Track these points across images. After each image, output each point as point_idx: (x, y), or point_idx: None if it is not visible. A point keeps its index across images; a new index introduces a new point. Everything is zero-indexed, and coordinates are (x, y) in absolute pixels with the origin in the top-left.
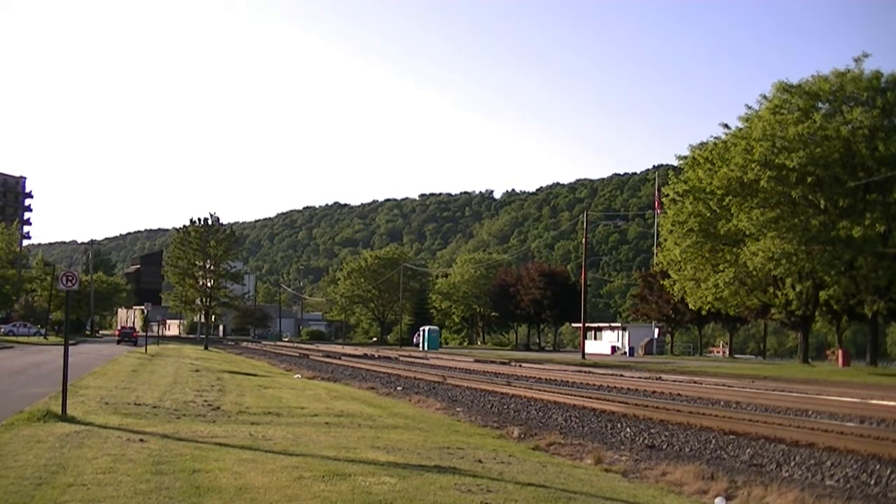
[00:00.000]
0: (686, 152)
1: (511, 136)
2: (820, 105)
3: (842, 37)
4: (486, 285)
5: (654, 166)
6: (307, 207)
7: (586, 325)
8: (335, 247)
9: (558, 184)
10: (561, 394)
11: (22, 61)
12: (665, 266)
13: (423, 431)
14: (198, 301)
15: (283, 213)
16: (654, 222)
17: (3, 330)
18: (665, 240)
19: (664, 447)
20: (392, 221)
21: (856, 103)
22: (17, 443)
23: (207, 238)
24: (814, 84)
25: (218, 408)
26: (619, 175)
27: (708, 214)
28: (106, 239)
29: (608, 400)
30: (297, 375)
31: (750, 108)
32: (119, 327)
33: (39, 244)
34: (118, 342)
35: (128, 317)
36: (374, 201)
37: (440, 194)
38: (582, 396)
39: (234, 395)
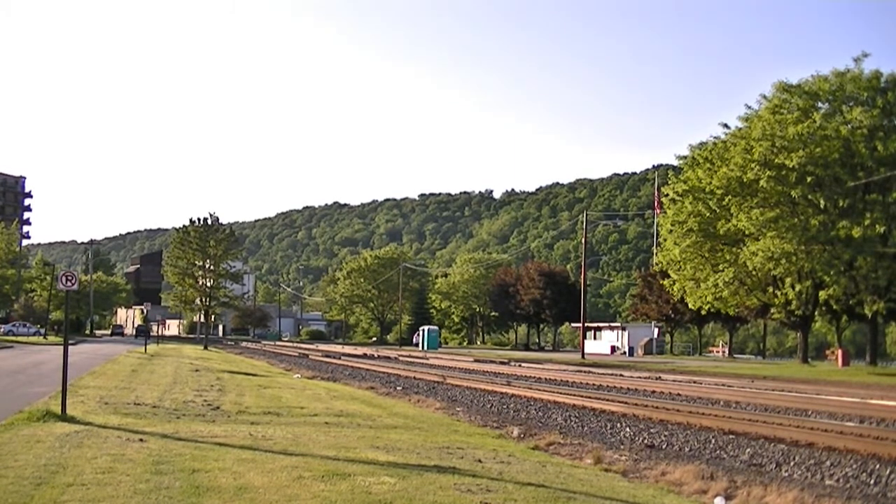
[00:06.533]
0: (686, 152)
1: (510, 135)
2: (820, 105)
3: (842, 37)
4: (485, 285)
5: (653, 166)
6: (307, 207)
7: (586, 324)
8: (335, 247)
9: (558, 183)
10: (560, 393)
11: (22, 61)
12: (665, 266)
13: (423, 431)
14: (197, 301)
15: (282, 213)
16: (653, 222)
17: (2, 330)
18: (665, 240)
19: (664, 447)
20: (392, 221)
21: (855, 103)
22: (17, 442)
23: (207, 238)
24: (813, 84)
25: (217, 407)
26: (618, 175)
27: (707, 214)
28: (106, 239)
29: (608, 400)
30: (296, 375)
31: (750, 108)
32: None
33: (39, 244)
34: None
35: (127, 316)
36: (374, 201)
37: (440, 194)
38: (581, 396)
39: (233, 395)
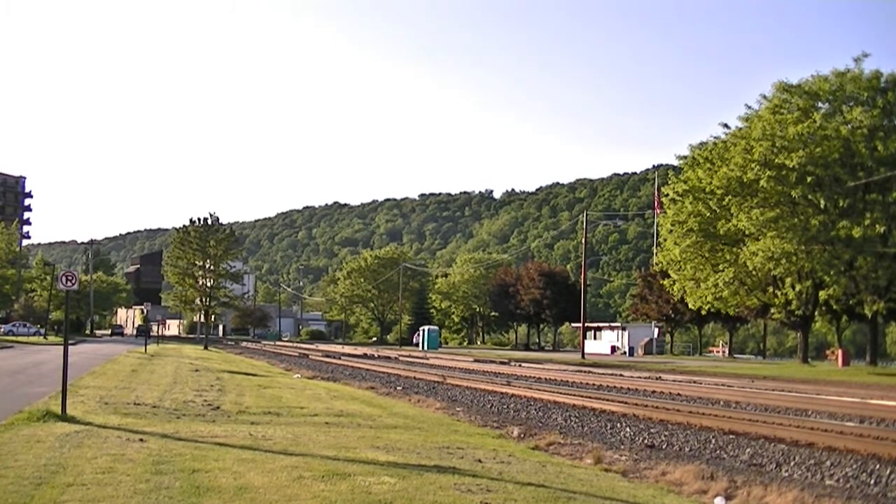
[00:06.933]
0: (686, 152)
1: (510, 135)
2: (820, 105)
3: (842, 37)
4: (485, 285)
5: (653, 166)
6: (307, 207)
7: (586, 324)
8: (335, 247)
9: (558, 183)
10: (561, 393)
11: (22, 61)
12: (665, 266)
13: (423, 431)
14: (197, 301)
15: (282, 213)
16: (653, 222)
17: (2, 330)
18: (665, 239)
19: (664, 447)
20: (392, 221)
21: (855, 103)
22: (17, 442)
23: (207, 238)
24: (814, 84)
25: (218, 407)
26: (618, 175)
27: (708, 214)
28: (106, 239)
29: (608, 400)
30: (296, 375)
31: (750, 107)
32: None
33: (39, 244)
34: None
35: (127, 316)
36: (374, 201)
37: (440, 194)
38: (582, 396)
39: (233, 395)
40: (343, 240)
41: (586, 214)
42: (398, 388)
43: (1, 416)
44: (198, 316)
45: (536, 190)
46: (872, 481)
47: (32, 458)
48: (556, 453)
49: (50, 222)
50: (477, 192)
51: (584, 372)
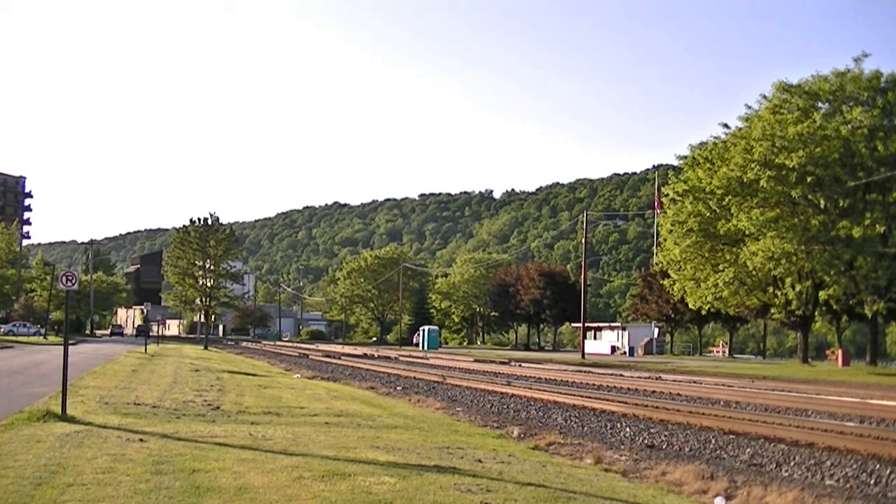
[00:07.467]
0: (686, 152)
1: (510, 135)
2: (820, 105)
3: (842, 37)
4: (485, 285)
5: (653, 166)
6: (307, 207)
7: (586, 324)
8: (335, 247)
9: (558, 183)
10: (561, 393)
11: (22, 61)
12: (665, 266)
13: (423, 431)
14: (198, 301)
15: (282, 213)
16: (653, 222)
17: (3, 330)
18: (665, 240)
19: (664, 447)
20: (392, 221)
21: (856, 103)
22: (17, 442)
23: (207, 238)
24: (814, 84)
25: (218, 407)
26: (618, 175)
27: (708, 214)
28: (106, 239)
29: (608, 400)
30: (296, 375)
31: (750, 108)
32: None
33: (39, 244)
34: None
35: (128, 316)
36: (374, 201)
37: (440, 194)
38: (582, 396)
39: (233, 395)
40: (343, 240)
41: (586, 214)
42: (398, 388)
43: (1, 416)
44: (198, 316)
45: (536, 190)
46: (872, 481)
47: (32, 457)
48: (556, 453)
49: (50, 222)
50: (477, 192)
51: (584, 372)
